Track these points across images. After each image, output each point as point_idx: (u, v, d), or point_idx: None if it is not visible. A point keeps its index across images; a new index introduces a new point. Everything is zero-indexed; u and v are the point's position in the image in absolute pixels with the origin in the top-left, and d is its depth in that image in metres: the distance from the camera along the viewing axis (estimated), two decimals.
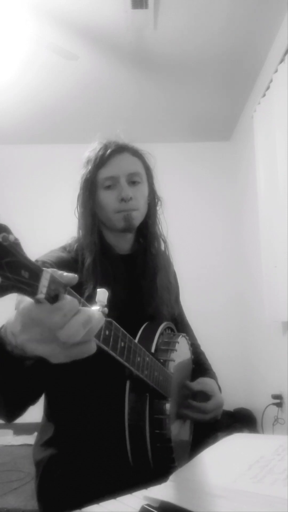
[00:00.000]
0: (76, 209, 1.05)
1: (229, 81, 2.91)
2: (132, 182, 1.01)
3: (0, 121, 3.35)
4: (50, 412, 0.99)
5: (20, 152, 3.77)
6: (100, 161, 1.00)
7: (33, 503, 1.01)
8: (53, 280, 0.47)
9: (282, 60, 2.22)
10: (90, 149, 1.05)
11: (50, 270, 0.47)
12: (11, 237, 0.42)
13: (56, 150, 3.71)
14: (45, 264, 0.90)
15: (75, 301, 0.50)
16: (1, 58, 2.56)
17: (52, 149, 3.72)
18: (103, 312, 0.57)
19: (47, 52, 2.34)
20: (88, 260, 0.95)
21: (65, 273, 0.51)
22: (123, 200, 0.98)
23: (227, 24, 2.33)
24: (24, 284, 0.43)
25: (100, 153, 1.01)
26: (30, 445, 1.04)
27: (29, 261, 0.45)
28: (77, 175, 1.05)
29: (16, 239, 0.43)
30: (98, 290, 0.60)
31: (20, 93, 2.97)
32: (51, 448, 0.94)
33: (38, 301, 0.47)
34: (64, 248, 1.03)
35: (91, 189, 1.01)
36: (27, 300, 0.48)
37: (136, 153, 1.05)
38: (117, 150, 1.01)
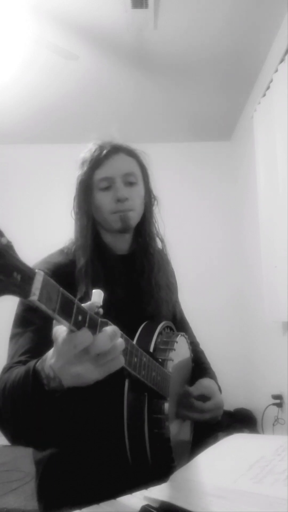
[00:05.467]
0: (73, 211, 1.06)
1: (229, 81, 2.91)
2: (129, 183, 1.01)
3: (0, 121, 3.35)
4: None
5: (20, 152, 3.77)
6: (96, 162, 1.00)
7: (33, 503, 1.01)
8: (46, 283, 0.47)
9: (282, 60, 2.22)
10: (85, 150, 1.05)
11: (43, 272, 0.48)
12: (3, 240, 0.43)
13: (56, 150, 3.70)
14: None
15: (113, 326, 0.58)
16: (1, 58, 2.56)
17: (52, 149, 3.72)
18: (98, 313, 0.59)
19: (47, 52, 2.34)
20: (81, 262, 0.96)
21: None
22: (119, 200, 0.98)
23: (227, 24, 2.33)
24: (16, 286, 0.44)
25: (95, 154, 1.01)
26: None
27: (22, 263, 0.45)
28: (76, 175, 1.05)
29: (8, 242, 0.44)
30: (93, 291, 0.62)
31: (20, 93, 2.97)
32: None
33: (71, 330, 0.54)
34: (62, 251, 1.03)
35: (86, 190, 1.01)
36: (62, 331, 0.56)
37: (131, 153, 1.05)
38: (112, 150, 1.01)
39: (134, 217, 1.02)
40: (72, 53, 2.31)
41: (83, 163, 1.03)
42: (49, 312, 0.49)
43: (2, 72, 2.71)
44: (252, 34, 2.42)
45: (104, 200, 1.00)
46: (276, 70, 2.28)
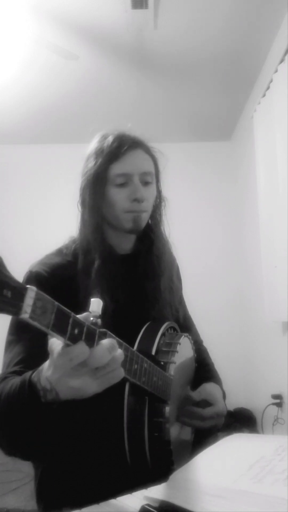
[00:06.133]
0: (79, 204, 0.98)
1: (229, 81, 2.91)
2: (145, 182, 0.95)
3: (0, 121, 3.35)
4: None
5: (20, 152, 3.77)
6: (114, 155, 0.92)
7: (32, 504, 1.01)
8: (39, 298, 0.45)
9: (282, 60, 2.22)
10: (99, 139, 0.97)
11: (35, 288, 0.45)
12: None
13: (56, 150, 3.71)
14: (40, 275, 0.88)
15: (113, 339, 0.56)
16: (1, 58, 2.56)
17: (52, 149, 3.72)
18: (96, 324, 0.57)
19: (47, 52, 2.34)
20: (97, 263, 0.91)
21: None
22: (135, 200, 0.92)
23: (227, 24, 2.33)
24: (7, 304, 0.42)
25: (113, 145, 0.93)
26: None
27: (12, 279, 0.43)
28: (78, 174, 1.03)
29: None
30: (91, 300, 0.59)
31: (20, 93, 2.97)
32: None
33: (67, 344, 0.51)
34: (60, 251, 0.98)
35: (99, 184, 0.93)
36: (58, 344, 0.53)
37: (149, 151, 0.99)
38: (133, 145, 0.94)
39: (146, 219, 0.98)
40: (72, 53, 2.31)
41: (96, 154, 0.94)
42: (43, 328, 0.47)
43: (2, 72, 2.71)
44: (252, 34, 2.42)
45: (118, 197, 0.93)
46: (276, 70, 2.28)
